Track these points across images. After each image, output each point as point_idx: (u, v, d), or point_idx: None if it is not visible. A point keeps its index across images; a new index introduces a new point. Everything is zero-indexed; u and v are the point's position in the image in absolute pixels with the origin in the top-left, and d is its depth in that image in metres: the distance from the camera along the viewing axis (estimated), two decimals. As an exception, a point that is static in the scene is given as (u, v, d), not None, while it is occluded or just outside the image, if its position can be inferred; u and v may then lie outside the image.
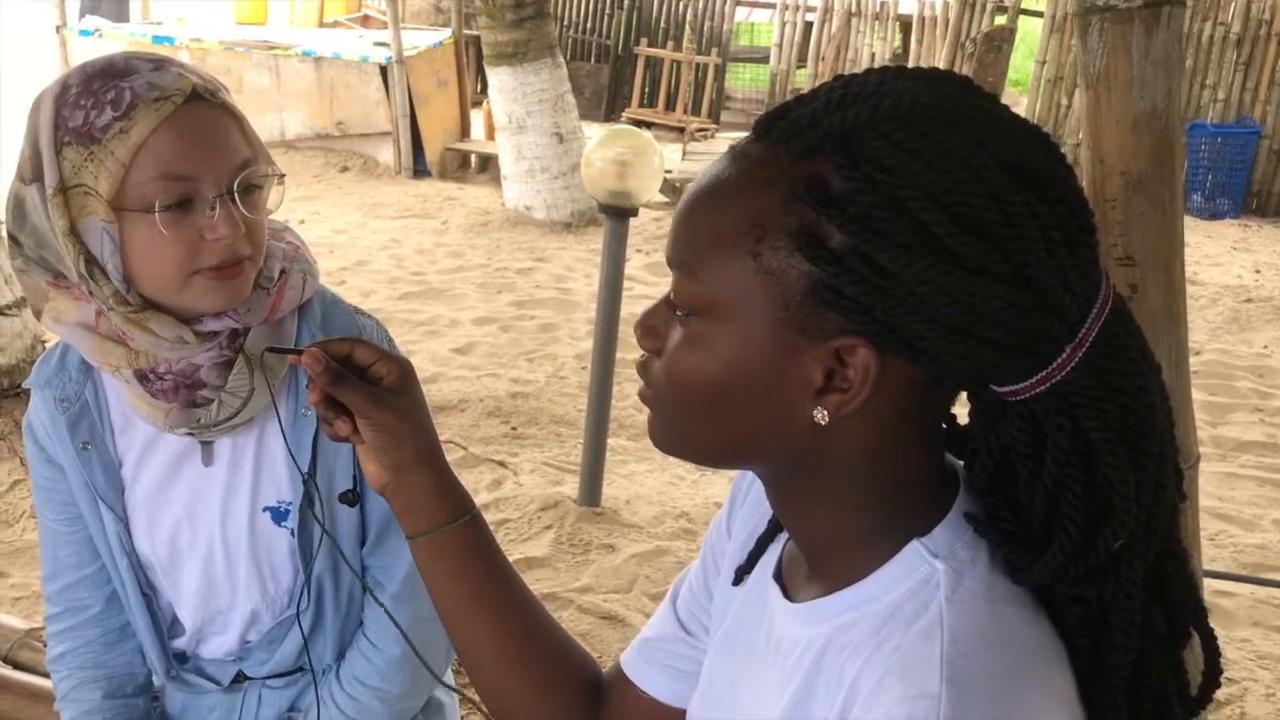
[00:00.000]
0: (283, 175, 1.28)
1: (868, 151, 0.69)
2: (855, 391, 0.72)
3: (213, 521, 1.35)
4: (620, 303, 3.54)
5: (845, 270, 0.69)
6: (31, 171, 1.18)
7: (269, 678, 1.46)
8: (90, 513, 1.35)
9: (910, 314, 0.68)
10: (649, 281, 6.80)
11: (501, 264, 7.03)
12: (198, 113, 1.17)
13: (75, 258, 1.16)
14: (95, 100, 1.14)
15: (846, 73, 0.76)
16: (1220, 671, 0.79)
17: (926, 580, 0.73)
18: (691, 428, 0.79)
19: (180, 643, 1.45)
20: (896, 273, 0.68)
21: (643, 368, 0.81)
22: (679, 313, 0.77)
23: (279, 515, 1.35)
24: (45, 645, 2.12)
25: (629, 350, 5.39)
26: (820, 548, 0.80)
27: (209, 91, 1.18)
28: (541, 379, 5.04)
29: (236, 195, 1.19)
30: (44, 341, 4.20)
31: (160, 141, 1.14)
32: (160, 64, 1.20)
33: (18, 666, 2.08)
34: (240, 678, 1.46)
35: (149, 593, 1.40)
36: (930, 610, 0.71)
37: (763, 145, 0.74)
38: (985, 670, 0.68)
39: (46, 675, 2.08)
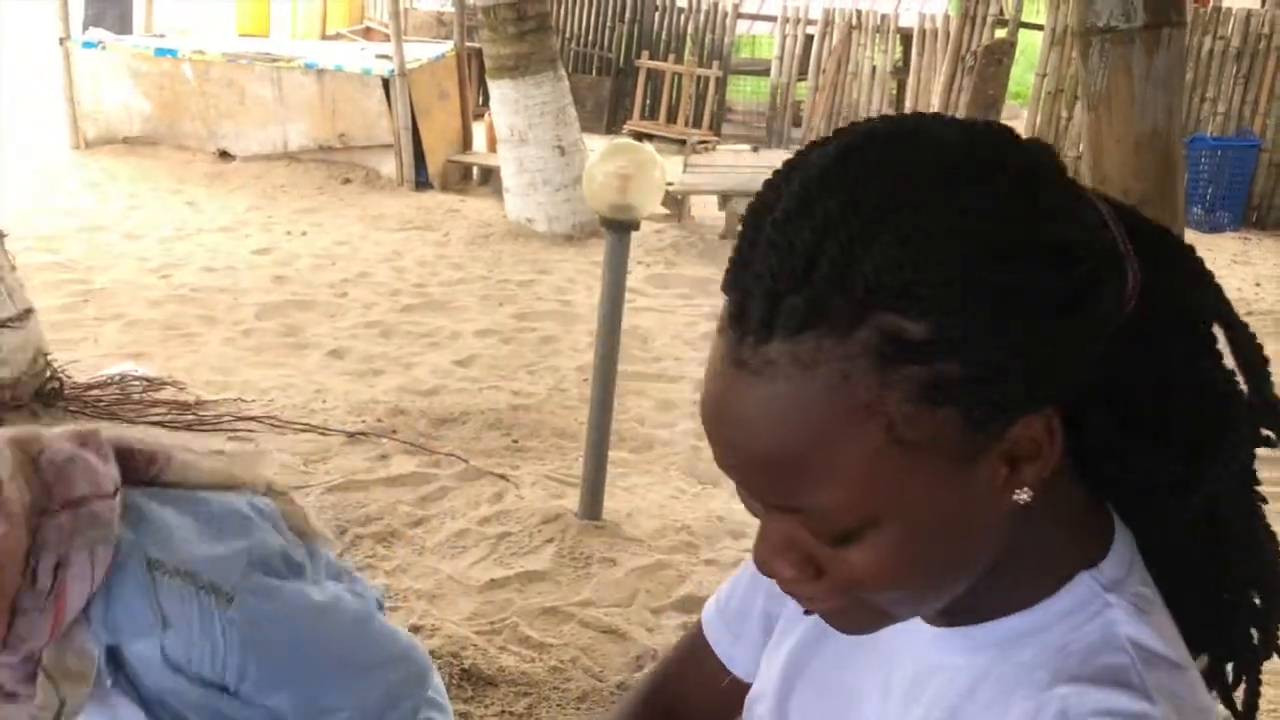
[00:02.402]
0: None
1: (906, 281, 0.61)
2: (1048, 453, 0.67)
3: None
4: (622, 316, 3.54)
5: (984, 384, 0.62)
6: None
7: None
8: None
9: (1051, 366, 0.64)
10: (650, 293, 6.80)
11: (503, 276, 7.04)
12: None
13: None
14: None
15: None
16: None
17: (1098, 614, 0.71)
18: (924, 597, 0.72)
19: None
20: (1027, 348, 0.63)
21: (807, 591, 0.72)
22: (829, 544, 0.68)
23: None
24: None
25: (630, 363, 5.40)
26: (976, 591, 0.74)
27: None
28: (543, 391, 5.04)
29: None
30: (46, 355, 4.21)
31: None
32: None
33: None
34: None
35: None
36: (1111, 647, 0.69)
37: (783, 344, 0.62)
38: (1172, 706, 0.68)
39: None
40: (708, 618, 1.06)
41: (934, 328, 0.61)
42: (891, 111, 12.65)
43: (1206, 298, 0.73)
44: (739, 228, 0.67)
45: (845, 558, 0.68)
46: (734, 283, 0.65)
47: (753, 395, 0.63)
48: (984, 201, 0.62)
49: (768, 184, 0.67)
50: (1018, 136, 0.69)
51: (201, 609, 1.26)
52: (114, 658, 1.26)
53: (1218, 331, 0.74)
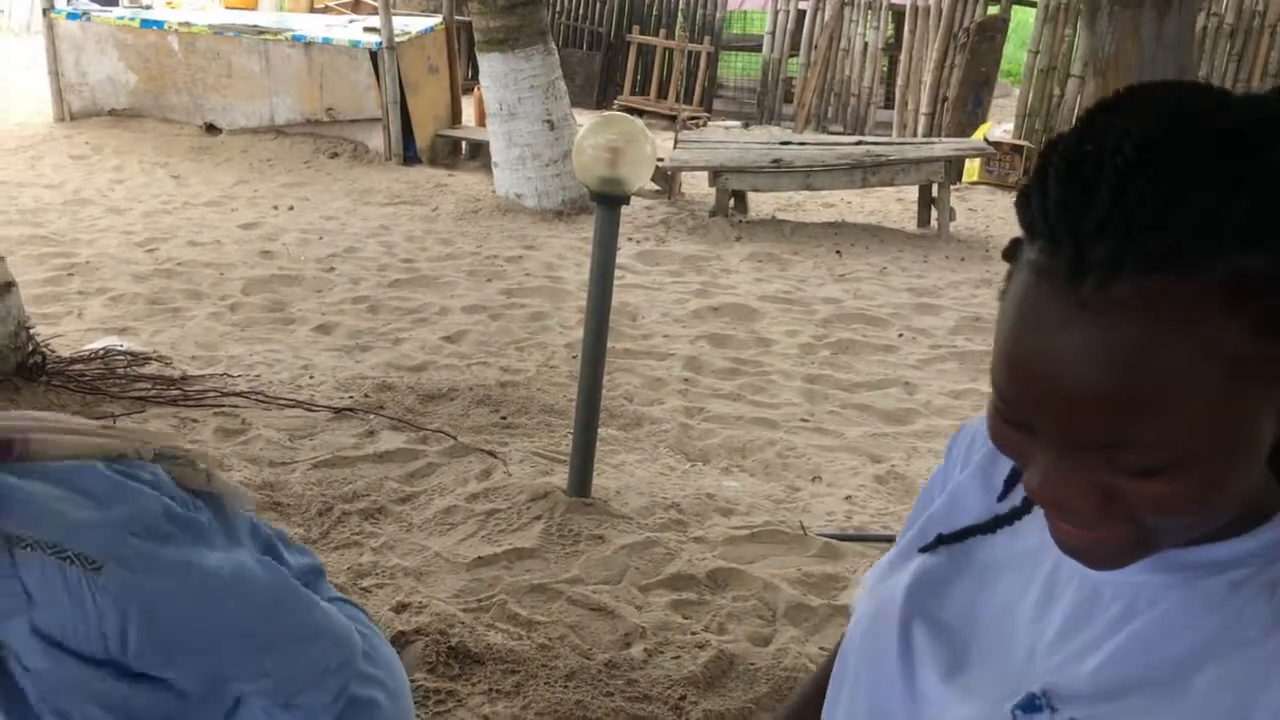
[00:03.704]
0: None
1: (1254, 223, 0.64)
2: None
3: None
4: (611, 291, 3.50)
5: None
6: None
7: None
8: None
9: None
10: (640, 270, 6.76)
11: (492, 252, 6.99)
12: None
13: None
14: None
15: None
16: None
17: None
18: (1207, 523, 0.74)
19: None
20: None
21: (1091, 522, 0.74)
22: (1138, 477, 0.70)
23: None
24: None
25: (619, 340, 5.37)
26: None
27: None
28: (532, 368, 5.01)
29: None
30: (29, 328, 4.15)
31: None
32: None
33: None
34: None
35: None
36: None
37: (1133, 285, 0.64)
38: None
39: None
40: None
41: (1277, 262, 0.64)
42: (882, 89, 12.63)
43: None
44: (1051, 170, 0.68)
45: (1148, 488, 0.69)
46: (1069, 227, 0.66)
47: (1094, 335, 0.65)
48: None
49: (1082, 132, 0.68)
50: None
51: (67, 578, 1.23)
52: None
53: None
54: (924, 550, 0.93)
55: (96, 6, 10.53)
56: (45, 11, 10.01)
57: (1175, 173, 0.64)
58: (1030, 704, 0.78)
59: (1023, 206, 0.69)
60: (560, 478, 3.73)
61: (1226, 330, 0.64)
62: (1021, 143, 10.13)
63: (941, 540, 0.92)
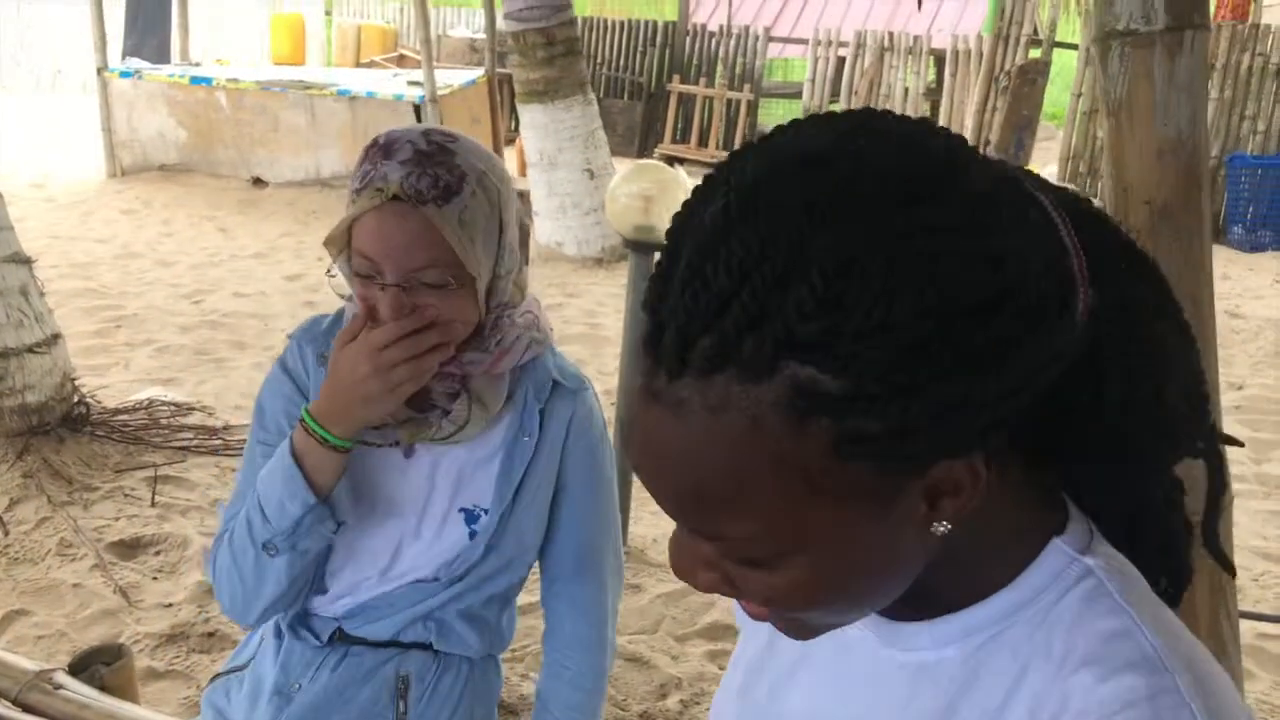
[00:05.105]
0: (509, 276, 1.44)
1: (821, 333, 0.57)
2: (969, 492, 0.64)
3: (411, 507, 1.51)
4: (646, 338, 3.50)
5: (901, 439, 0.59)
6: None
7: (373, 643, 1.54)
8: None
9: (973, 419, 0.61)
10: (680, 317, 6.77)
11: (532, 300, 7.03)
12: (394, 212, 1.32)
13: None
14: (359, 168, 1.36)
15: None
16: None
17: (1084, 575, 0.71)
18: (844, 614, 0.72)
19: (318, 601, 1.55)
20: (946, 404, 0.59)
21: (732, 594, 0.71)
22: (744, 567, 0.67)
23: (471, 518, 1.51)
24: (56, 688, 2.10)
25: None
26: (936, 584, 0.73)
27: (410, 196, 1.31)
28: (570, 415, 5.00)
29: (408, 287, 1.33)
30: (74, 380, 4.22)
31: (362, 225, 1.34)
32: (395, 153, 1.34)
33: (27, 709, 2.06)
34: (341, 636, 1.55)
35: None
36: (1102, 601, 0.69)
37: (695, 383, 0.60)
38: (1178, 646, 0.69)
39: (55, 719, 2.05)
40: None
41: (849, 384, 0.58)
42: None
43: (1166, 311, 0.72)
44: (664, 241, 0.64)
45: (760, 579, 0.67)
46: (652, 308, 0.62)
47: (665, 429, 0.61)
48: (909, 247, 0.58)
49: (694, 199, 0.64)
50: (969, 151, 0.64)
51: None
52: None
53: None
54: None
55: (148, 65, 10.79)
56: (99, 70, 10.27)
57: (739, 260, 0.58)
58: None
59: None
60: (596, 526, 3.72)
61: (796, 446, 0.59)
62: (1066, 185, 10.06)
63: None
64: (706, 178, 0.65)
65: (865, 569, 0.66)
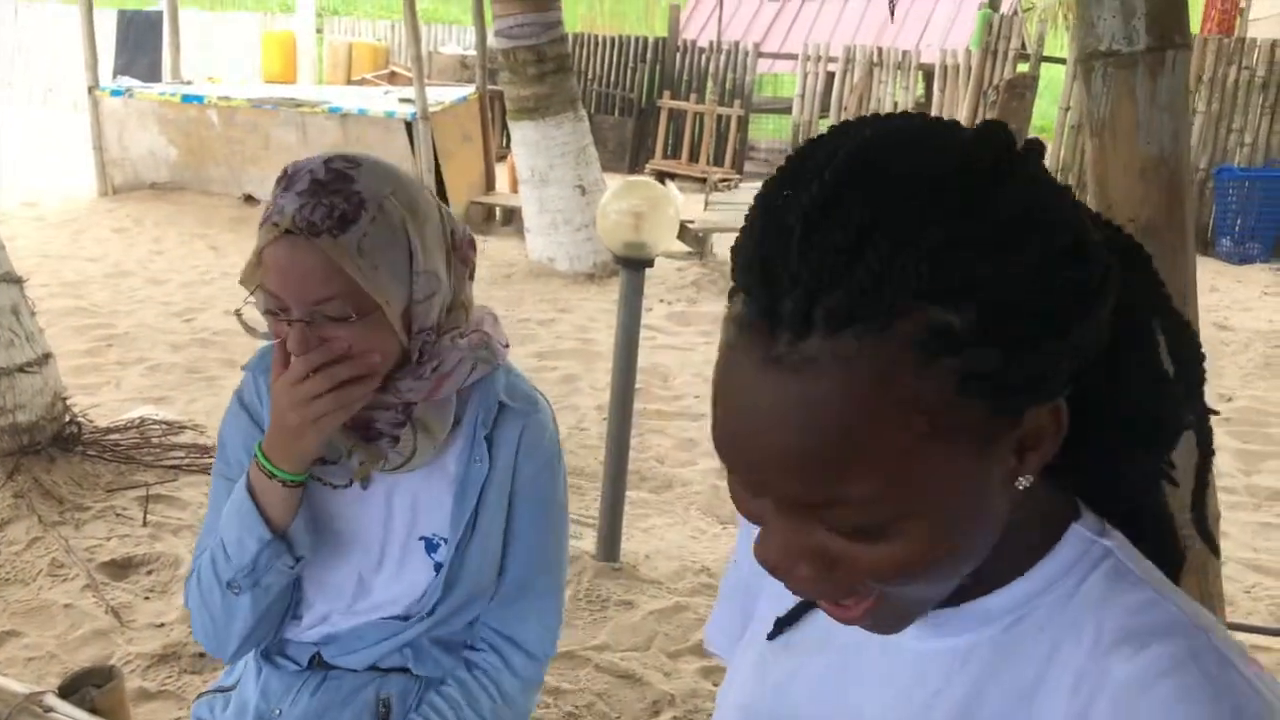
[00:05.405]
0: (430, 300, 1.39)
1: (945, 276, 0.61)
2: (1050, 442, 0.69)
3: (372, 537, 1.51)
4: (637, 354, 3.51)
5: (1018, 372, 0.63)
6: None
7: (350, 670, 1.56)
8: None
9: (1074, 356, 0.67)
10: (672, 331, 6.77)
11: (524, 315, 7.04)
12: (290, 245, 1.30)
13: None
14: (274, 195, 1.35)
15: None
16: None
17: (1105, 555, 0.74)
18: (939, 586, 0.72)
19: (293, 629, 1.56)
20: (1058, 338, 0.64)
21: (823, 590, 0.72)
22: (852, 539, 0.68)
23: (431, 546, 1.51)
24: (46, 711, 2.09)
25: (651, 401, 5.36)
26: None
27: (302, 229, 1.30)
28: (563, 430, 5.00)
29: (311, 321, 1.32)
30: (65, 399, 4.21)
31: (265, 260, 1.32)
32: (294, 184, 1.34)
33: (18, 732, 2.04)
34: (320, 662, 1.56)
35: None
36: (1126, 578, 0.73)
37: (824, 340, 0.61)
38: (1201, 611, 0.73)
39: (46, 741, 2.04)
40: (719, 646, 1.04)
41: (974, 318, 0.61)
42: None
43: (1162, 301, 0.76)
44: (756, 216, 0.66)
45: (864, 552, 0.67)
46: (761, 279, 0.63)
47: (789, 392, 0.62)
48: (1006, 202, 0.63)
49: (784, 177, 0.66)
50: (1014, 138, 0.68)
51: None
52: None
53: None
54: (771, 637, 0.89)
55: (139, 83, 10.79)
56: (90, 89, 10.27)
57: (859, 220, 0.61)
58: None
59: (733, 255, 0.66)
60: (589, 542, 3.72)
61: (922, 388, 0.61)
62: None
63: (781, 625, 0.89)
64: (789, 159, 0.67)
65: (970, 521, 0.68)
